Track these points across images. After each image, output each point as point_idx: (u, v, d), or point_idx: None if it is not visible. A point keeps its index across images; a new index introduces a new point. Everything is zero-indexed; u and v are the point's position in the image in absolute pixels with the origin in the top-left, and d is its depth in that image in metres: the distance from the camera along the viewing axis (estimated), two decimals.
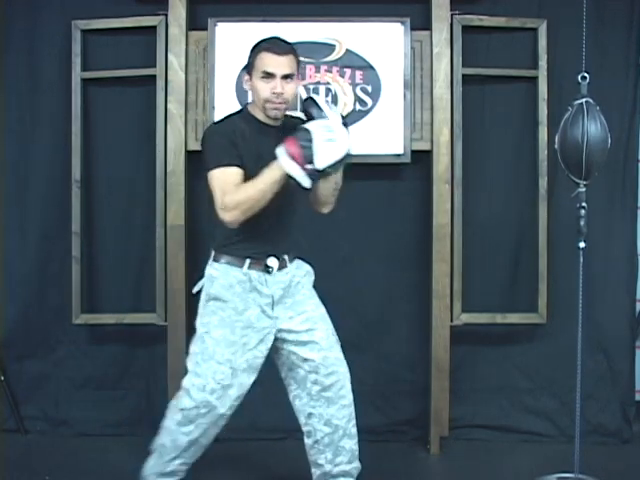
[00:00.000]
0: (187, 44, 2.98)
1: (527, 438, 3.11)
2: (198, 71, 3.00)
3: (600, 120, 2.40)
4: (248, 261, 2.27)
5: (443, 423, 3.01)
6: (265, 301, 2.29)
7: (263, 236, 2.27)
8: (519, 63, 3.06)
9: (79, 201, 3.05)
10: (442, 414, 3.01)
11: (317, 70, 2.98)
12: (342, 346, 2.39)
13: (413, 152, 3.00)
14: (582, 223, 2.45)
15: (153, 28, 2.99)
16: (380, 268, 3.14)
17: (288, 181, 2.10)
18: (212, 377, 2.28)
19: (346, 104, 2.99)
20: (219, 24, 2.97)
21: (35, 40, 3.09)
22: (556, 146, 2.48)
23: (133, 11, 3.02)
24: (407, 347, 3.16)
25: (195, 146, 2.87)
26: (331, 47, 2.98)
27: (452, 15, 2.96)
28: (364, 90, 2.99)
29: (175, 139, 2.97)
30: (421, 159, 3.03)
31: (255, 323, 2.29)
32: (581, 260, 2.47)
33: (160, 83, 2.99)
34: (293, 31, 2.94)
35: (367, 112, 3.00)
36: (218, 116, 2.81)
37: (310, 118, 2.13)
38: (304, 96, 2.92)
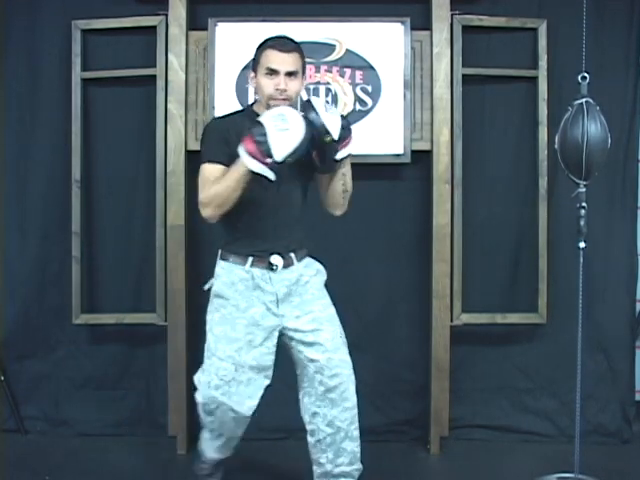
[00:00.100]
0: (187, 44, 2.98)
1: (527, 438, 3.11)
2: (198, 71, 3.00)
3: (600, 120, 2.40)
4: (251, 259, 2.29)
5: (443, 423, 3.01)
6: (269, 298, 2.30)
7: (263, 234, 2.29)
8: (519, 63, 3.06)
9: (79, 201, 3.05)
10: (442, 414, 3.01)
11: (317, 70, 2.98)
12: None
13: (413, 152, 3.00)
14: (582, 223, 2.45)
15: (153, 28, 2.99)
16: (380, 268, 3.15)
17: (259, 177, 2.11)
18: (215, 373, 2.31)
19: (346, 104, 2.99)
20: (219, 24, 2.97)
21: (35, 40, 3.09)
22: (556, 146, 2.48)
23: (133, 11, 3.02)
24: (407, 347, 3.16)
25: (195, 146, 2.87)
26: (331, 47, 2.98)
27: (452, 15, 2.96)
28: (364, 90, 2.99)
29: (175, 139, 2.97)
30: (421, 159, 3.03)
31: (260, 321, 2.30)
32: (581, 260, 2.47)
33: (160, 83, 2.99)
34: (293, 31, 2.92)
35: (367, 112, 3.00)
36: (218, 114, 2.80)
37: (307, 121, 2.12)
38: (304, 98, 2.94)
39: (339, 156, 2.18)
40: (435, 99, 2.98)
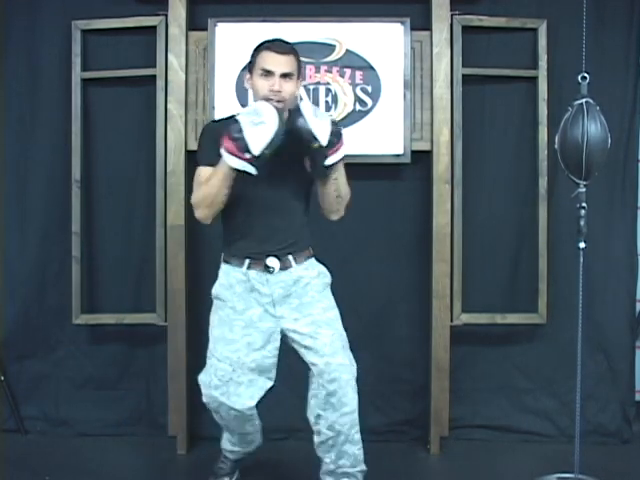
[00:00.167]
0: (187, 44, 2.98)
1: (527, 438, 3.11)
2: (198, 71, 3.00)
3: (600, 120, 2.40)
4: (247, 261, 2.31)
5: (443, 423, 3.01)
6: (265, 300, 2.32)
7: (258, 236, 2.30)
8: (519, 63, 3.06)
9: (79, 201, 3.05)
10: (442, 414, 3.01)
11: (317, 70, 2.98)
12: None
13: (413, 152, 3.00)
14: (582, 223, 2.45)
15: (153, 28, 2.99)
16: (380, 268, 3.15)
17: (252, 178, 2.12)
18: (214, 374, 2.34)
19: (346, 104, 2.99)
20: (219, 24, 2.97)
21: (35, 40, 3.09)
22: (556, 146, 2.48)
23: (133, 11, 3.02)
24: (407, 347, 3.16)
25: (195, 146, 2.85)
26: (331, 47, 2.98)
27: (452, 15, 2.96)
28: (364, 90, 2.99)
29: (175, 139, 2.97)
30: (421, 159, 3.03)
31: (257, 322, 2.32)
32: (581, 260, 2.47)
33: (160, 83, 2.99)
34: (293, 31, 2.95)
35: (367, 112, 3.00)
36: (218, 116, 2.81)
37: (295, 127, 2.11)
38: (304, 97, 2.95)
39: (328, 162, 2.16)
40: (435, 99, 2.98)
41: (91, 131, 3.11)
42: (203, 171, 2.24)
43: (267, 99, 2.19)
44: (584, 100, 2.40)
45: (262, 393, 2.38)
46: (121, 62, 3.06)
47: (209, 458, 2.81)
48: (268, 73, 2.21)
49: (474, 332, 3.10)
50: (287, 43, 2.28)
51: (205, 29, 2.98)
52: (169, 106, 2.97)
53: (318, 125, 2.10)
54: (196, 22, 3.03)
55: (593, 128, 2.38)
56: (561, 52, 3.03)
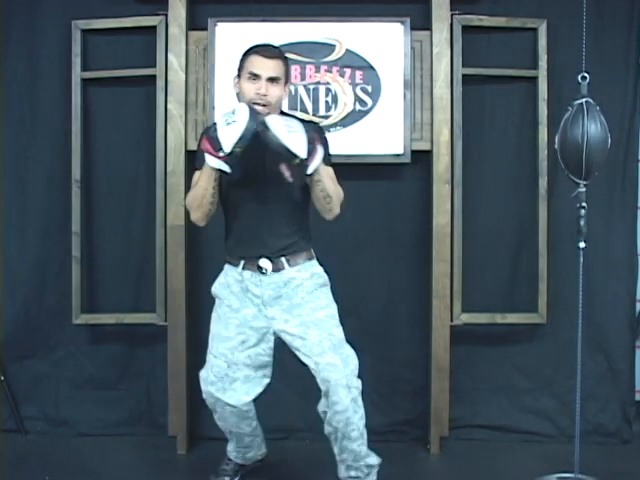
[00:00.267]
0: (187, 44, 2.98)
1: (527, 438, 3.11)
2: (198, 71, 3.00)
3: (600, 120, 2.40)
4: (242, 262, 2.36)
5: (443, 423, 3.01)
6: (257, 300, 2.36)
7: (251, 238, 2.34)
8: (519, 63, 3.06)
9: (79, 201, 3.05)
10: (442, 414, 3.01)
11: (317, 70, 2.98)
12: None
13: (413, 152, 3.00)
14: (582, 223, 2.45)
15: (153, 28, 2.99)
16: (380, 268, 3.14)
17: (247, 180, 2.18)
18: (210, 370, 2.40)
19: (346, 104, 2.99)
20: (219, 24, 2.97)
21: (35, 40, 3.09)
22: (556, 146, 2.49)
23: (133, 11, 3.02)
24: (407, 347, 3.16)
25: (195, 146, 2.86)
26: (331, 47, 2.98)
27: (452, 15, 2.96)
28: (364, 90, 2.99)
29: (175, 139, 2.97)
30: (421, 159, 3.03)
31: (251, 321, 2.37)
32: (581, 260, 2.47)
33: (160, 83, 2.99)
34: (293, 31, 2.95)
35: (367, 112, 2.99)
36: (218, 116, 2.80)
37: (271, 146, 2.11)
38: (304, 98, 2.95)
39: (310, 171, 2.14)
40: (435, 99, 2.98)
41: (91, 131, 3.11)
42: (195, 174, 2.30)
43: (253, 102, 2.21)
44: (584, 100, 2.40)
45: (259, 390, 2.42)
46: (121, 62, 3.06)
47: (209, 458, 2.82)
48: (255, 77, 2.23)
49: (474, 332, 3.10)
50: (275, 48, 2.31)
51: (205, 29, 2.98)
52: (169, 106, 2.97)
53: (293, 140, 2.08)
54: (196, 22, 3.03)
55: (593, 128, 2.38)
56: (561, 52, 3.03)
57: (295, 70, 2.93)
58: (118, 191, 3.14)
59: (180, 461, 2.96)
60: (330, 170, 2.27)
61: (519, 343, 3.15)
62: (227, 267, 2.41)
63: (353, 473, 2.43)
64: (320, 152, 2.15)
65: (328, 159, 2.26)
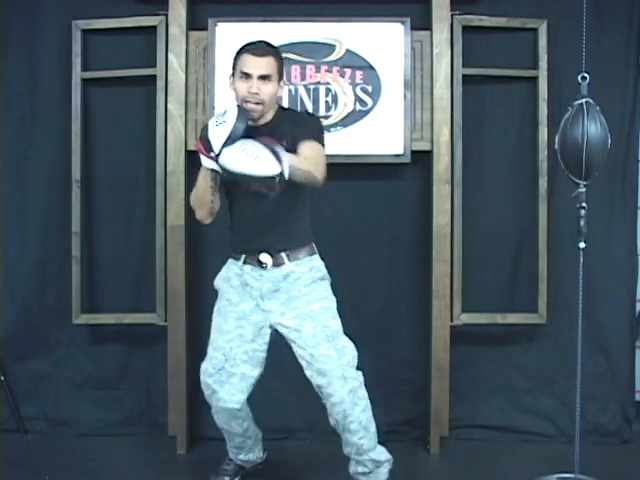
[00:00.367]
0: (187, 44, 2.98)
1: (527, 438, 3.11)
2: (198, 71, 3.00)
3: (600, 120, 2.40)
4: (244, 256, 2.38)
5: (443, 423, 3.01)
6: (256, 294, 2.38)
7: (250, 233, 2.36)
8: (519, 63, 3.06)
9: (79, 201, 3.05)
10: (442, 414, 3.01)
11: (317, 70, 2.98)
12: None
13: (413, 152, 3.00)
14: (582, 223, 2.45)
15: (153, 28, 2.99)
16: (380, 268, 3.15)
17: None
18: (210, 362, 2.44)
19: (346, 104, 2.99)
20: (219, 24, 2.97)
21: (35, 40, 3.09)
22: (556, 146, 2.48)
23: (133, 11, 3.02)
24: (407, 347, 3.16)
25: (195, 146, 2.87)
26: (331, 47, 2.98)
27: (452, 15, 2.96)
28: (364, 90, 2.99)
29: (175, 139, 2.97)
30: (421, 159, 3.03)
31: (249, 315, 2.39)
32: (581, 260, 2.47)
33: (160, 83, 2.99)
34: (293, 31, 2.95)
35: (367, 112, 2.99)
36: None
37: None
38: (304, 98, 2.95)
39: (286, 176, 2.06)
40: (435, 99, 2.98)
41: (91, 131, 3.11)
42: (198, 174, 2.32)
43: (245, 101, 2.23)
44: (584, 100, 2.40)
45: (251, 386, 2.44)
46: (121, 62, 3.06)
47: (209, 458, 2.82)
48: (247, 75, 2.25)
49: (474, 332, 3.10)
50: (267, 45, 2.30)
51: (205, 29, 2.98)
52: (169, 106, 2.97)
53: (259, 165, 2.02)
54: (196, 22, 3.03)
55: (593, 128, 2.38)
56: (561, 52, 3.03)
57: (295, 70, 2.94)
58: (118, 191, 3.14)
59: (180, 461, 2.96)
60: (306, 148, 2.20)
61: (519, 343, 3.15)
62: (230, 260, 2.44)
63: (360, 469, 2.45)
64: (284, 154, 2.06)
65: (316, 136, 2.24)
